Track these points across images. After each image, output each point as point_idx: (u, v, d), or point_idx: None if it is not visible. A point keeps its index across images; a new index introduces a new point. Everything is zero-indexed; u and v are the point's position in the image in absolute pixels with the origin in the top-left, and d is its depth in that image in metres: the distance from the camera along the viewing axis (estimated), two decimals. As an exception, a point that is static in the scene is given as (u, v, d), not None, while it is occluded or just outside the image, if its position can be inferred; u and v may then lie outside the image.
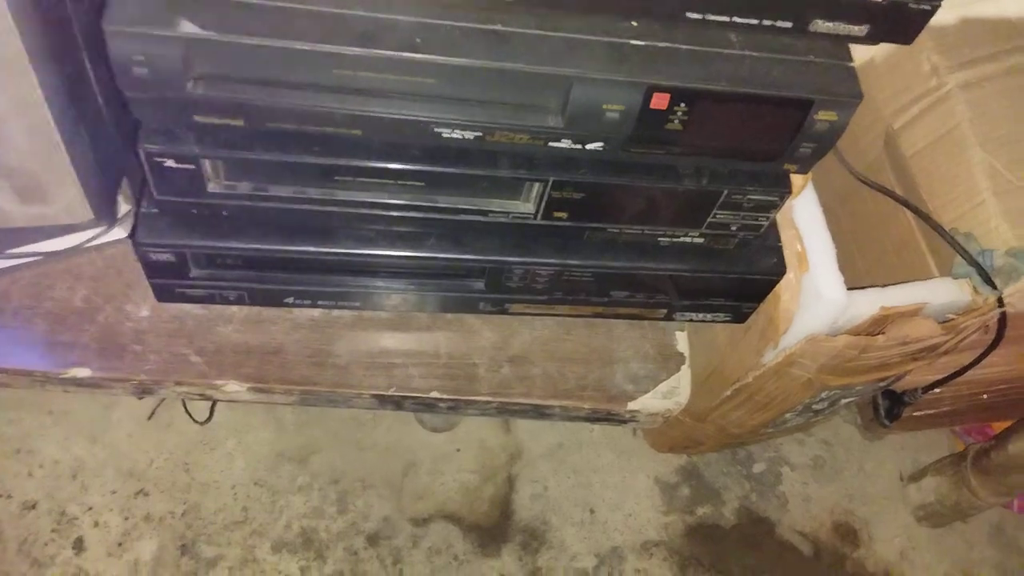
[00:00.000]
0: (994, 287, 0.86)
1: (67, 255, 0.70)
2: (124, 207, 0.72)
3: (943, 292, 0.88)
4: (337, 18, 0.49)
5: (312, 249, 0.64)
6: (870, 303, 0.86)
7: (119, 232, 0.72)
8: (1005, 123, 0.92)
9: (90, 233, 0.71)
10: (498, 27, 0.51)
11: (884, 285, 0.90)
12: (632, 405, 0.72)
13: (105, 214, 0.69)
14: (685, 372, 0.75)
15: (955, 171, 0.91)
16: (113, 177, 0.69)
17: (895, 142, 0.97)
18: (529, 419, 0.72)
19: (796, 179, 0.64)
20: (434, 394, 0.69)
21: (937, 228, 0.89)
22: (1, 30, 0.51)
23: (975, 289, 0.88)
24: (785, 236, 0.79)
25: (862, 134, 0.99)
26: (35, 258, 0.70)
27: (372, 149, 0.57)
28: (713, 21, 0.50)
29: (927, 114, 0.95)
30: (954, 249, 0.88)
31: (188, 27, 0.46)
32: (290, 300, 0.69)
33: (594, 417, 0.71)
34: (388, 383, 0.69)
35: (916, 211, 0.91)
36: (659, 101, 0.52)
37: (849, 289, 0.87)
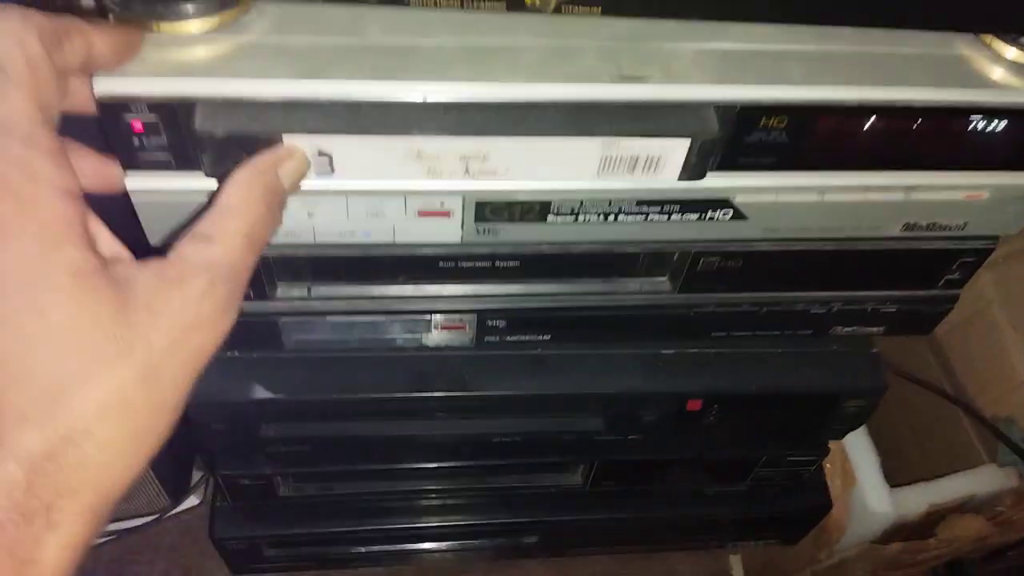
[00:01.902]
0: (1041, 472, 0.87)
1: (145, 527, 0.75)
2: (196, 475, 0.77)
3: (989, 482, 0.89)
4: (390, 362, 0.53)
5: (376, 527, 0.68)
6: (918, 501, 0.87)
7: (193, 500, 0.77)
8: (1034, 302, 0.92)
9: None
10: (539, 351, 0.55)
11: (929, 478, 0.90)
12: (693, 644, 0.74)
13: (181, 492, 0.73)
14: (742, 600, 0.77)
15: (989, 352, 0.92)
16: (188, 462, 0.74)
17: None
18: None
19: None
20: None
21: (978, 417, 0.90)
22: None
23: (1021, 476, 0.88)
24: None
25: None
26: (116, 536, 0.74)
27: (428, 450, 0.61)
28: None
29: (956, 295, 0.95)
30: (997, 438, 0.88)
31: (260, 392, 0.51)
32: (356, 564, 0.73)
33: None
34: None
35: (956, 402, 0.92)
36: (693, 405, 0.56)
37: (896, 486, 0.88)
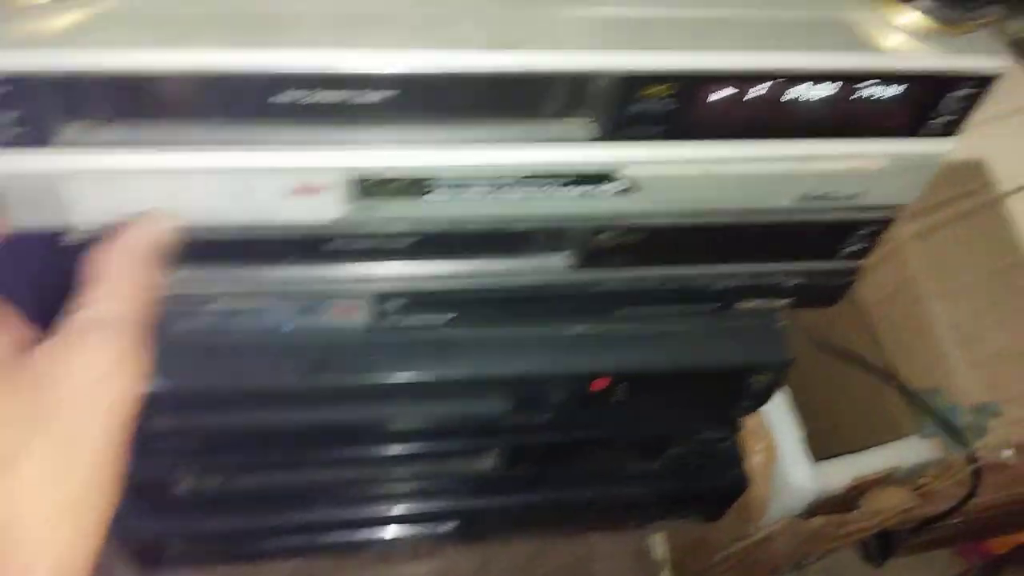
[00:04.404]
0: (964, 444, 0.88)
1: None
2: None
3: (913, 453, 0.90)
4: (281, 348, 0.51)
5: (284, 520, 0.65)
6: (842, 475, 0.88)
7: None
8: (960, 272, 0.93)
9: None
10: (440, 334, 0.53)
11: (856, 450, 0.91)
12: (615, 625, 0.73)
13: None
14: (665, 579, 0.77)
15: (915, 323, 0.92)
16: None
17: (855, 293, 0.98)
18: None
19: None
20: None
21: (902, 389, 0.90)
22: None
23: (946, 447, 0.89)
24: (751, 424, 0.81)
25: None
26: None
27: (329, 439, 0.59)
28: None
29: (882, 265, 0.96)
30: (921, 409, 0.89)
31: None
32: (269, 558, 0.71)
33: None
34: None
35: (881, 374, 0.92)
36: (598, 385, 0.55)
37: (820, 459, 0.88)
